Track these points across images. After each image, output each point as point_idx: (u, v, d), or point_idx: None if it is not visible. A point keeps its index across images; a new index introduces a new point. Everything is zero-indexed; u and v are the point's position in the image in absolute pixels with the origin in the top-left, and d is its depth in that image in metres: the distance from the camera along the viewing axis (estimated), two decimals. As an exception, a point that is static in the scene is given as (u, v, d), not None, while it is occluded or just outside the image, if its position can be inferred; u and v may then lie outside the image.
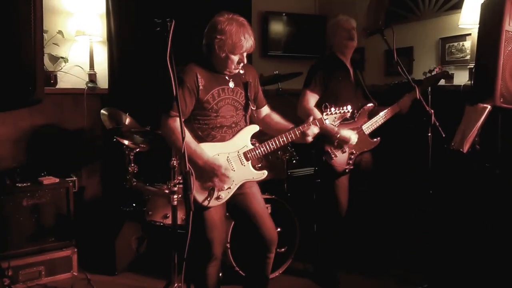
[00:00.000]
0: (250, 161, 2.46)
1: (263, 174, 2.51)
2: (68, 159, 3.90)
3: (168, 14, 2.06)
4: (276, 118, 2.66)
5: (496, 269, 3.05)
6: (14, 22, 1.69)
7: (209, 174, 2.32)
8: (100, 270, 3.44)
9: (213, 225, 2.41)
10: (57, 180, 3.44)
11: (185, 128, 2.27)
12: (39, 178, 3.41)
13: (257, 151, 2.46)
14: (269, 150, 2.46)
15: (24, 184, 3.30)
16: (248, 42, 2.32)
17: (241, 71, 2.48)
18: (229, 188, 2.41)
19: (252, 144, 2.50)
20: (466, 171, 3.33)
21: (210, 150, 2.36)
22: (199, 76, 2.34)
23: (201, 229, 2.37)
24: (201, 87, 2.34)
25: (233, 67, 2.38)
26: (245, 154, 2.45)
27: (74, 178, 3.62)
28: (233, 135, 2.46)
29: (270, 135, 2.53)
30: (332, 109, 2.48)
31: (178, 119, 2.12)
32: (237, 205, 2.50)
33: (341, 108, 2.49)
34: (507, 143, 3.27)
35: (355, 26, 3.25)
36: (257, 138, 2.77)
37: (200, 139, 2.40)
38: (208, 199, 2.35)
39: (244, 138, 2.48)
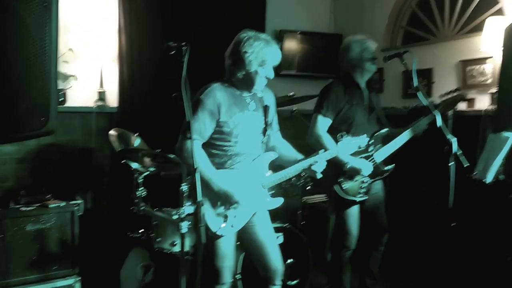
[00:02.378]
0: (266, 189, 2.45)
1: (279, 201, 2.49)
2: (74, 180, 3.84)
3: (180, 35, 2.00)
4: (286, 147, 2.61)
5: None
6: (29, 53, 1.67)
7: (224, 201, 2.30)
8: (104, 300, 3.33)
9: (224, 254, 2.38)
10: (63, 203, 3.34)
11: (202, 152, 2.29)
12: (44, 202, 3.32)
13: (273, 179, 2.44)
14: (286, 179, 2.45)
15: (29, 208, 3.21)
16: (277, 54, 2.34)
17: (260, 95, 2.46)
18: (243, 216, 2.38)
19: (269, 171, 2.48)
20: (489, 203, 3.19)
21: (227, 177, 2.31)
22: (220, 99, 2.30)
23: (211, 257, 2.37)
24: (223, 111, 2.30)
25: (259, 83, 2.35)
26: (261, 182, 2.42)
27: (80, 201, 3.52)
28: (251, 162, 2.42)
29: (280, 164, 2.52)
30: (348, 137, 2.49)
31: (195, 142, 2.09)
32: (244, 234, 2.45)
33: (357, 139, 2.51)
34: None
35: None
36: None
37: (217, 165, 2.35)
38: (221, 227, 2.31)
39: (261, 165, 2.45)
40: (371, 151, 3.03)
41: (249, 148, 2.40)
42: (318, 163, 2.42)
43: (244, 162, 2.40)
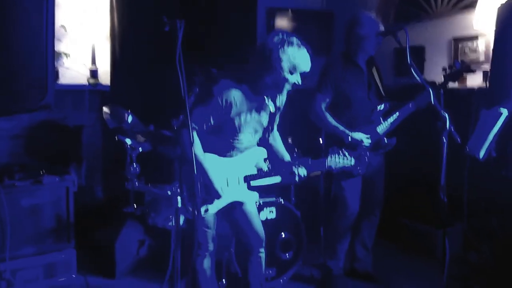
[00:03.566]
0: (246, 184, 2.48)
1: (255, 196, 2.54)
2: (67, 157, 3.82)
3: (172, 11, 1.99)
4: (278, 142, 2.65)
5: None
6: (27, 30, 1.74)
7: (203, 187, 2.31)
8: (100, 273, 3.36)
9: (207, 222, 2.45)
10: (57, 179, 3.34)
11: (196, 137, 2.28)
12: (38, 177, 3.31)
13: (256, 176, 2.48)
14: (264, 183, 2.56)
15: (24, 184, 3.20)
16: (308, 61, 2.30)
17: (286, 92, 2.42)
18: (219, 204, 2.42)
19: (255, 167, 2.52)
20: (482, 178, 3.24)
21: (213, 163, 2.34)
22: (233, 100, 2.28)
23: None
24: (233, 111, 2.29)
25: (287, 88, 2.33)
26: (245, 176, 2.46)
27: (74, 177, 3.52)
28: (241, 153, 2.46)
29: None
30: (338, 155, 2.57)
31: (194, 132, 2.13)
32: (227, 208, 2.50)
33: (347, 157, 2.58)
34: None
35: None
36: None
37: (209, 148, 2.37)
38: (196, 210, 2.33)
39: (249, 159, 2.49)
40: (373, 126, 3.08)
41: (246, 144, 2.45)
42: (301, 169, 2.47)
43: (236, 154, 2.44)
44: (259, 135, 2.51)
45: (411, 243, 3.94)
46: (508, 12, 2.78)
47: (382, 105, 3.12)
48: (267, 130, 2.52)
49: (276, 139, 2.65)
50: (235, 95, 2.29)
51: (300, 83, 2.34)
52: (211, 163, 2.34)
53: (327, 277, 3.27)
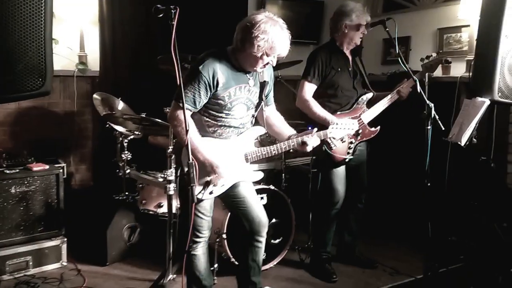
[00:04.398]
0: (248, 163, 2.50)
1: (259, 175, 2.55)
2: (55, 144, 3.80)
3: None
4: (279, 120, 2.64)
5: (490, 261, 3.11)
6: (24, 15, 1.71)
7: (207, 170, 2.33)
8: (90, 261, 3.35)
9: (204, 210, 2.47)
10: (47, 166, 3.32)
11: (191, 120, 2.29)
12: (27, 165, 3.29)
13: (257, 154, 2.48)
14: (269, 155, 2.50)
15: (13, 171, 3.18)
16: (286, 46, 2.30)
17: (260, 70, 2.44)
18: (223, 185, 2.45)
19: (254, 146, 2.53)
20: (463, 164, 3.36)
21: (212, 146, 2.36)
22: (219, 72, 2.28)
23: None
24: (220, 84, 2.29)
25: (260, 66, 2.34)
26: (245, 155, 2.48)
27: (63, 164, 3.51)
28: (238, 135, 2.47)
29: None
30: (339, 124, 2.57)
31: (187, 112, 2.12)
32: (228, 192, 2.52)
33: (347, 124, 2.59)
34: (501, 137, 3.32)
35: None
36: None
37: (205, 133, 2.39)
38: (202, 192, 2.38)
39: (247, 139, 2.51)
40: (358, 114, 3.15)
41: (240, 122, 2.45)
42: (311, 139, 2.46)
43: (233, 134, 2.45)
44: (251, 112, 2.51)
45: (394, 226, 4.06)
46: (492, 2, 2.84)
47: (368, 94, 3.20)
48: (259, 107, 2.52)
49: (276, 117, 2.63)
50: (220, 69, 2.30)
51: (274, 64, 2.36)
52: (211, 146, 2.35)
53: (315, 261, 3.35)
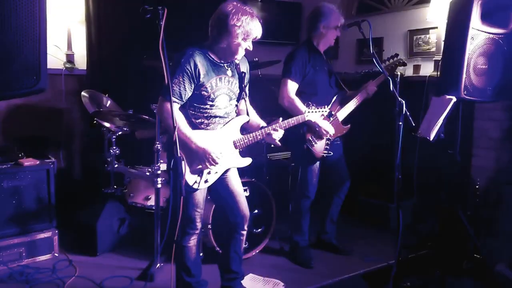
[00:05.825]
0: (237, 149, 2.64)
1: (248, 161, 2.69)
2: (45, 140, 3.87)
3: None
4: (253, 112, 2.77)
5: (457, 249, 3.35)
6: (19, 13, 1.75)
7: (200, 158, 2.45)
8: (81, 251, 3.45)
9: (197, 203, 2.59)
10: (38, 162, 3.40)
11: (180, 114, 2.41)
12: (18, 160, 3.38)
13: (245, 141, 2.62)
14: (255, 141, 2.64)
15: (4, 166, 3.26)
16: (260, 29, 2.44)
17: (237, 61, 2.57)
18: (216, 172, 2.58)
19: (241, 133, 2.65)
20: (432, 157, 3.57)
21: (202, 137, 2.47)
22: (199, 64, 2.41)
23: (186, 208, 2.55)
24: (201, 75, 2.42)
25: (241, 54, 2.47)
26: (234, 142, 2.60)
27: (53, 160, 3.61)
28: (224, 125, 2.60)
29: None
30: (314, 107, 2.72)
31: (174, 104, 2.24)
32: (217, 186, 2.65)
33: (321, 107, 2.73)
34: (466, 132, 3.55)
35: None
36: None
37: (193, 126, 2.50)
38: (198, 181, 2.51)
39: (234, 128, 2.63)
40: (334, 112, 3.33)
41: (225, 111, 2.57)
42: (278, 132, 2.61)
43: (219, 124, 2.57)
44: (234, 102, 2.63)
45: (368, 216, 4.30)
46: (459, 6, 3.00)
47: (343, 92, 3.41)
48: (241, 97, 2.65)
49: (250, 109, 2.75)
50: (199, 58, 2.42)
51: (251, 48, 2.48)
52: (201, 137, 2.46)
53: (294, 249, 3.53)
